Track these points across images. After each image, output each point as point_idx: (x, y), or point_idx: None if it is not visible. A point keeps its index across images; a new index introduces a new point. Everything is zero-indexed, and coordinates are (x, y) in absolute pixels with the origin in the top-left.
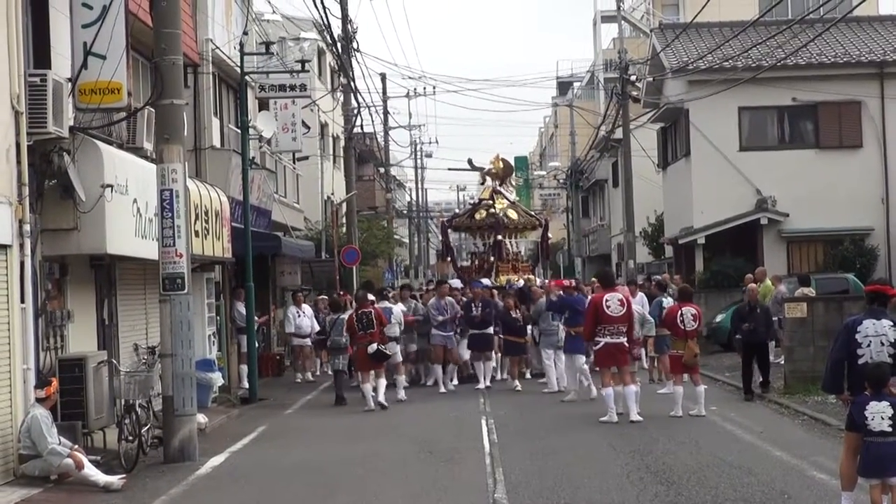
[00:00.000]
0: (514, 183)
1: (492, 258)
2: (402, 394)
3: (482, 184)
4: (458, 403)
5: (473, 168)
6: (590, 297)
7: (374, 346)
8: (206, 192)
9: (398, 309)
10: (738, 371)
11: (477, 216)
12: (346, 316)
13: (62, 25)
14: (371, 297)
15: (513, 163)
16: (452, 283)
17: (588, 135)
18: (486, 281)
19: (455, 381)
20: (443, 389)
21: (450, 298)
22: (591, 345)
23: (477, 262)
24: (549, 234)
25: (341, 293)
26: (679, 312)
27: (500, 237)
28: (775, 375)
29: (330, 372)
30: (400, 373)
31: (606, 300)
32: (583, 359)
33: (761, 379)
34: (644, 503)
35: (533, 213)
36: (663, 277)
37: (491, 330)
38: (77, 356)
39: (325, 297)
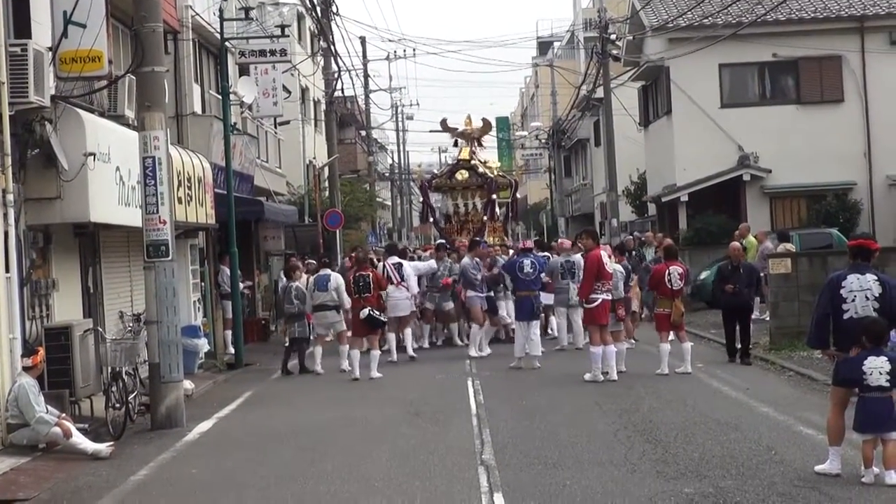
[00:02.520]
0: (482, 144)
1: (483, 218)
2: (410, 351)
3: (455, 146)
4: (444, 365)
5: (446, 129)
6: (589, 254)
7: (367, 310)
8: (189, 158)
9: (409, 266)
10: (722, 328)
11: (458, 176)
12: (298, 283)
13: None
14: (395, 257)
15: (494, 123)
16: (440, 243)
17: (569, 94)
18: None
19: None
20: (475, 353)
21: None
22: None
23: (458, 223)
24: (518, 195)
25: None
26: (666, 271)
27: (493, 197)
28: (760, 332)
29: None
30: (405, 327)
31: (603, 258)
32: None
33: (740, 346)
34: (632, 461)
35: (503, 173)
36: (646, 235)
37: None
38: (63, 325)
39: (313, 260)
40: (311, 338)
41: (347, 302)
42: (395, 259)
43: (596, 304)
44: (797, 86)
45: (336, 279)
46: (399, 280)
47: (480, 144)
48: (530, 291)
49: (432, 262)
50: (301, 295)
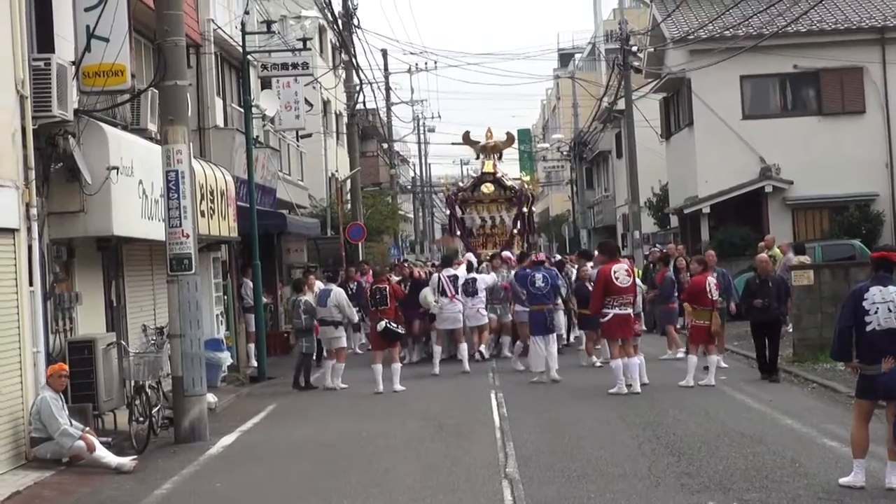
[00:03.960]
0: (502, 157)
1: (514, 231)
2: (466, 366)
3: (477, 159)
4: (467, 379)
5: (468, 142)
6: (598, 269)
7: (383, 322)
8: (211, 171)
9: (480, 279)
10: (746, 340)
11: (484, 189)
12: (307, 297)
13: (65, 9)
14: (453, 270)
15: (515, 135)
16: (469, 256)
17: (590, 106)
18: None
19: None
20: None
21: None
22: (599, 316)
23: (483, 236)
24: (535, 208)
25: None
26: (706, 282)
27: (524, 210)
28: (784, 344)
29: (358, 350)
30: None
31: (615, 271)
32: None
33: (769, 362)
34: (656, 474)
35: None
36: (668, 248)
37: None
38: (86, 338)
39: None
40: (324, 354)
41: (354, 316)
42: (451, 271)
43: (607, 318)
44: (818, 97)
45: (336, 295)
46: (453, 293)
47: (500, 158)
48: (543, 305)
49: (493, 275)
50: (309, 309)
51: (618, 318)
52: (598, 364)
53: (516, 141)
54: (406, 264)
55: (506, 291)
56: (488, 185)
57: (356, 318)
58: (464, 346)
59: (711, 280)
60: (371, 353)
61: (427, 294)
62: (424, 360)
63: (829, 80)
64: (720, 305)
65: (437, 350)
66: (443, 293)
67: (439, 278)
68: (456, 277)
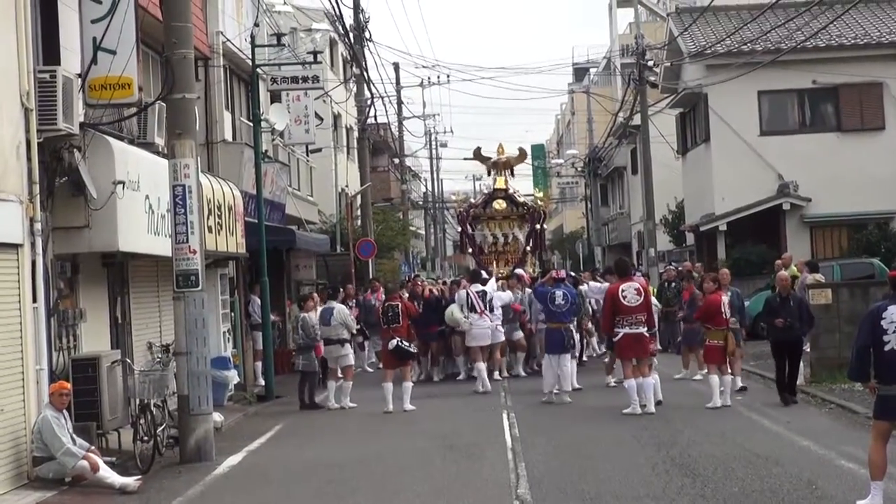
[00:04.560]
0: (514, 173)
1: (527, 248)
2: (485, 384)
3: (489, 175)
4: (478, 398)
5: (479, 158)
6: (606, 288)
7: (395, 341)
8: (219, 186)
9: (496, 297)
10: (763, 360)
11: (496, 206)
12: (308, 315)
13: (71, 21)
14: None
15: (529, 151)
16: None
17: (605, 121)
18: (520, 270)
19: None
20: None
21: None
22: (611, 336)
23: (495, 253)
24: (546, 225)
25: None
26: (721, 302)
27: (537, 226)
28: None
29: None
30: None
31: (622, 290)
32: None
33: (788, 383)
34: (670, 495)
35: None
36: (683, 266)
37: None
38: (90, 356)
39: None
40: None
41: (353, 327)
42: (479, 287)
43: (618, 338)
44: (837, 113)
45: (340, 312)
46: (482, 308)
47: (512, 174)
48: (561, 324)
49: (510, 293)
50: (306, 327)
51: (629, 338)
52: (613, 384)
53: (529, 156)
54: (419, 281)
55: (515, 312)
56: (500, 201)
57: (355, 329)
58: (482, 365)
59: (726, 299)
60: (381, 372)
61: (454, 310)
62: (447, 379)
63: (848, 95)
64: (734, 325)
65: (481, 367)
66: (472, 309)
67: (468, 294)
68: (485, 293)
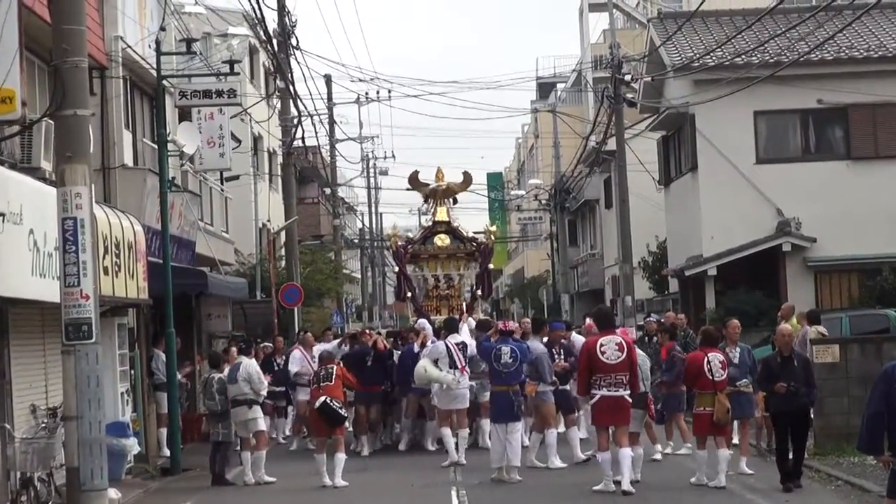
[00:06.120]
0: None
1: (478, 293)
2: (455, 455)
3: (425, 203)
4: (425, 473)
5: (416, 185)
6: (582, 344)
7: (323, 399)
8: (117, 220)
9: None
10: (758, 428)
11: (438, 242)
12: (221, 374)
13: None
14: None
15: (485, 180)
16: (420, 324)
17: (575, 146)
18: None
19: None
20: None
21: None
22: (586, 399)
23: (437, 298)
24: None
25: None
26: (705, 360)
27: (489, 266)
28: None
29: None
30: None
31: (601, 345)
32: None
33: (792, 463)
34: None
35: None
36: (666, 317)
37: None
38: None
39: (269, 343)
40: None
41: (263, 389)
42: (458, 338)
43: (594, 401)
44: (847, 138)
45: (247, 367)
46: (464, 364)
47: (454, 203)
48: (509, 386)
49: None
50: (223, 388)
51: (606, 401)
52: (584, 458)
53: (485, 185)
54: (369, 332)
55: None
56: (442, 236)
57: (264, 392)
58: (449, 431)
59: (716, 357)
60: (300, 441)
61: (427, 367)
62: (385, 450)
63: (860, 117)
64: (746, 388)
65: (447, 433)
66: (452, 365)
67: (447, 346)
68: (465, 346)
